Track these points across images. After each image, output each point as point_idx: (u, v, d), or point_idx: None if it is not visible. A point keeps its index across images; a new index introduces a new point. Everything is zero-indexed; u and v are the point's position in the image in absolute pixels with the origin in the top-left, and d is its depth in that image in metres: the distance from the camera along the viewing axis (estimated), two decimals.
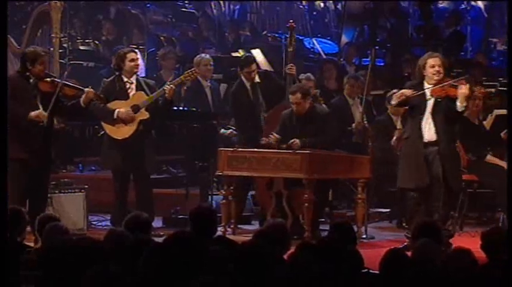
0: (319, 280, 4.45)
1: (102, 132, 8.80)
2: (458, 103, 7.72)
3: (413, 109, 7.92)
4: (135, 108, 8.61)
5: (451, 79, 7.90)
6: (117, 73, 8.76)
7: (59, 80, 8.14)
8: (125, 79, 8.70)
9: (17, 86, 8.01)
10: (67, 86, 8.11)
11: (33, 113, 7.96)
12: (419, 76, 7.99)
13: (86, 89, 8.19)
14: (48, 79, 8.06)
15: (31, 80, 8.06)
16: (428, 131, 7.83)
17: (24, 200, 7.92)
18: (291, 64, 9.20)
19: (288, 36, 9.37)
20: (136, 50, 9.24)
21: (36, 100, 8.04)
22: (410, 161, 7.96)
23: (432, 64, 7.83)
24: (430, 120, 7.82)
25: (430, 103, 7.81)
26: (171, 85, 8.62)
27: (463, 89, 7.68)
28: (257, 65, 9.48)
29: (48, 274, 4.72)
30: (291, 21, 9.64)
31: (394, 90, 9.67)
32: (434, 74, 7.82)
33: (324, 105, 9.57)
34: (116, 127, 8.59)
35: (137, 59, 8.74)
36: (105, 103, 8.51)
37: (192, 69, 9.14)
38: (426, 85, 7.88)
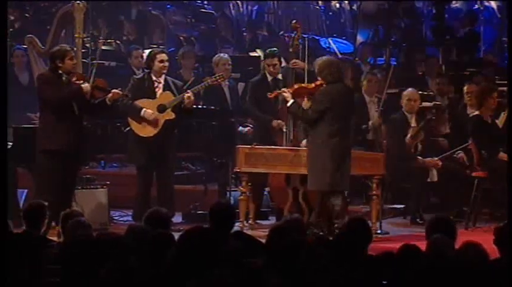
0: (333, 272, 4.57)
1: (128, 128, 8.93)
2: None
3: None
4: (162, 108, 8.75)
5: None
6: (147, 71, 8.94)
7: (88, 84, 8.33)
8: (154, 78, 8.87)
9: (52, 81, 8.22)
10: (97, 88, 8.31)
11: (84, 86, 8.14)
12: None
13: (112, 90, 8.37)
14: (78, 81, 8.24)
15: (64, 78, 8.26)
16: None
17: (56, 192, 8.03)
18: (294, 60, 8.99)
19: (294, 36, 9.17)
20: (166, 52, 9.34)
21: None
22: None
23: None
24: None
25: None
26: (191, 92, 8.73)
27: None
28: (279, 60, 9.35)
29: (69, 268, 4.80)
30: (294, 21, 9.53)
31: (409, 89, 9.85)
32: None
33: None
34: (142, 125, 8.74)
35: (167, 60, 8.86)
36: (133, 100, 8.69)
37: (219, 74, 9.23)
38: None
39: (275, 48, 9.74)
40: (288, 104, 8.25)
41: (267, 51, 9.66)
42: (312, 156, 8.15)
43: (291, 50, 9.11)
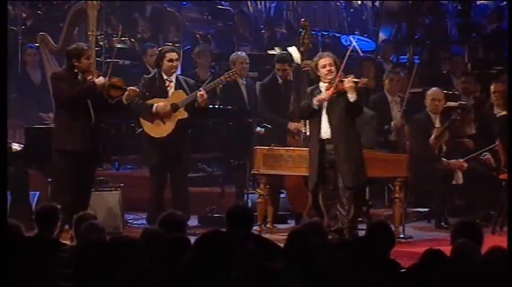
0: (350, 275, 4.54)
1: (140, 129, 8.83)
2: (349, 95, 7.91)
3: (314, 111, 8.06)
4: (174, 107, 8.65)
5: (339, 76, 7.99)
6: (157, 70, 8.84)
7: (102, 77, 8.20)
8: (165, 77, 8.78)
9: (67, 79, 8.12)
10: (112, 87, 8.19)
11: (97, 80, 8.04)
12: (314, 77, 8.18)
13: (128, 88, 8.27)
14: (94, 80, 8.12)
15: (79, 77, 8.14)
16: (325, 129, 7.98)
17: (72, 193, 7.92)
18: (306, 62, 8.74)
19: (303, 34, 8.92)
20: (176, 50, 9.24)
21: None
22: (311, 160, 8.07)
23: (323, 64, 8.02)
24: (326, 118, 7.98)
25: (325, 102, 8.00)
26: (204, 90, 8.61)
27: (347, 82, 7.91)
28: (290, 65, 9.26)
29: (81, 272, 4.80)
30: (302, 19, 9.37)
31: (433, 88, 9.66)
32: (326, 74, 8.00)
33: None
34: (154, 125, 8.63)
35: (176, 59, 8.78)
36: (146, 99, 8.57)
37: (232, 70, 9.14)
38: (321, 85, 8.04)
39: (286, 52, 9.58)
40: (354, 99, 7.93)
41: (279, 54, 9.61)
42: (351, 152, 7.93)
43: (301, 49, 8.96)
